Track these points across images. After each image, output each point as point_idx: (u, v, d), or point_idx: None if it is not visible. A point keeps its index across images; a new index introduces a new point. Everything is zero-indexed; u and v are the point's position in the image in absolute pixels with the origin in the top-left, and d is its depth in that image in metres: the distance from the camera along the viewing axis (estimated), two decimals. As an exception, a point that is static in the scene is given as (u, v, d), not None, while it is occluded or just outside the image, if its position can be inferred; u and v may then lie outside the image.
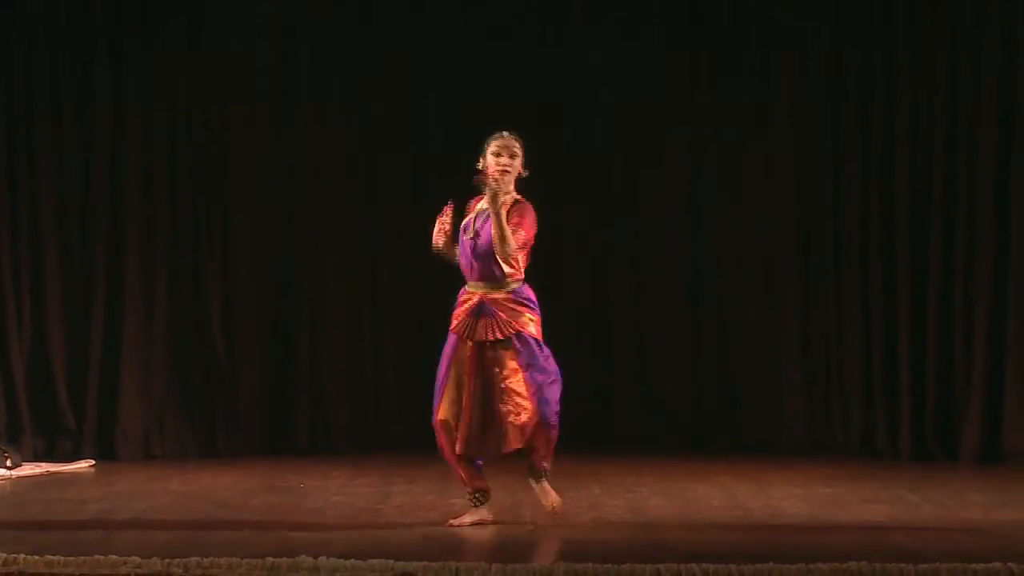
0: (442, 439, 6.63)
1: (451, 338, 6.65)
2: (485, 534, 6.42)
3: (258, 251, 9.58)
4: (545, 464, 6.61)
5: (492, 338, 6.51)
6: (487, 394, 6.50)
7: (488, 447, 6.55)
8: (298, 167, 9.61)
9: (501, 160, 6.58)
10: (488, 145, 6.64)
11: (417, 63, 9.62)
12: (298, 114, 9.60)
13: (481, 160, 6.64)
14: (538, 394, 6.48)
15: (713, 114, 9.64)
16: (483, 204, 6.60)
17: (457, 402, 6.57)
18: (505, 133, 6.65)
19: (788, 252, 9.55)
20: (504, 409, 6.48)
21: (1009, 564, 5.36)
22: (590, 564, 5.41)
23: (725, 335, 9.74)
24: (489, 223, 6.51)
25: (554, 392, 6.54)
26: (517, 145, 6.63)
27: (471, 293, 6.62)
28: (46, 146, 9.23)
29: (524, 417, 6.46)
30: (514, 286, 6.60)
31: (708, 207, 9.75)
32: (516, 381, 6.49)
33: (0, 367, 9.11)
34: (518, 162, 6.62)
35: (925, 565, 5.38)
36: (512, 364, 6.50)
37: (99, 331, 9.30)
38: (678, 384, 9.77)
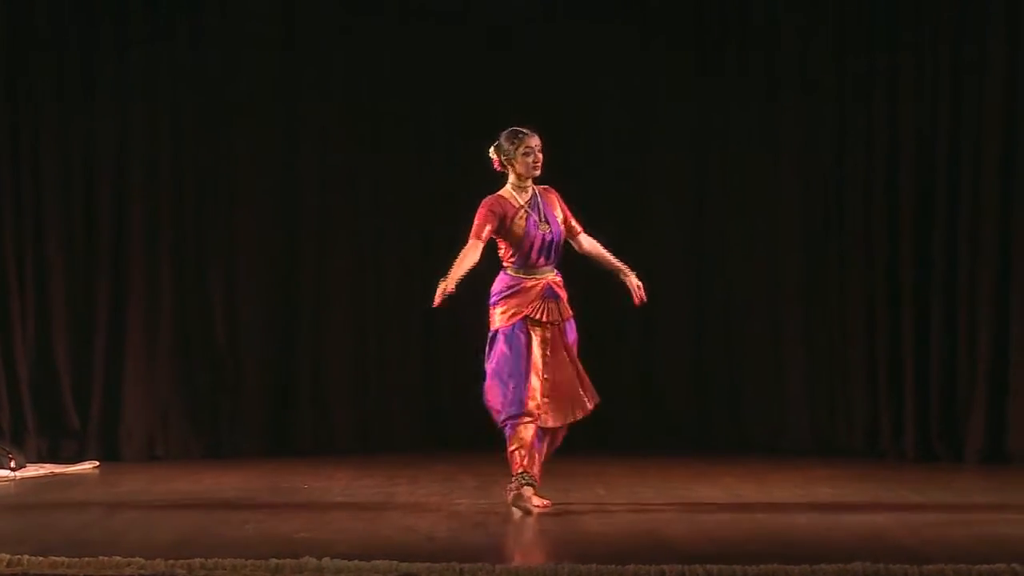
0: (529, 425, 6.81)
1: (520, 324, 6.85)
2: (489, 535, 6.42)
3: (262, 251, 9.59)
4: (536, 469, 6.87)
5: (568, 317, 6.95)
6: (568, 364, 6.93)
7: (576, 408, 6.95)
8: (302, 166, 9.62)
9: (533, 159, 6.89)
10: (514, 145, 6.88)
11: (420, 63, 9.63)
12: (302, 113, 9.61)
13: (496, 156, 6.93)
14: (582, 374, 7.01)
15: (718, 118, 9.66)
16: (520, 197, 6.93)
17: (543, 382, 6.86)
18: (526, 131, 6.90)
19: (792, 252, 9.56)
20: (581, 374, 6.97)
21: (1013, 565, 5.35)
22: (594, 565, 5.40)
23: (729, 336, 9.75)
24: (553, 212, 6.93)
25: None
26: (539, 142, 6.92)
27: (535, 279, 6.91)
28: (49, 145, 9.24)
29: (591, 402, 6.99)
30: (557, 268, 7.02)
31: (712, 208, 9.76)
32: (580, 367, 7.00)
33: (4, 368, 9.12)
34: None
35: (930, 566, 5.37)
36: (575, 346, 6.99)
37: (103, 332, 9.31)
38: (682, 385, 9.78)
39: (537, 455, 6.85)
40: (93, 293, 9.33)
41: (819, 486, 7.86)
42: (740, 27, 9.62)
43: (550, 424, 6.88)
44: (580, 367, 6.97)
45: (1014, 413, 8.84)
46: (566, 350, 6.93)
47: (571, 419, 6.95)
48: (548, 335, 6.89)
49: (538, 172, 6.92)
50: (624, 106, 9.71)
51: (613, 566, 5.39)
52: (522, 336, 6.84)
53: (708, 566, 5.38)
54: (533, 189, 6.96)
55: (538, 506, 6.84)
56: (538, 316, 6.85)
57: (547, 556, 5.95)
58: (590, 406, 6.97)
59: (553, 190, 7.04)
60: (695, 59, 9.70)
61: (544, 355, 6.86)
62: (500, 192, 6.96)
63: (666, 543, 6.14)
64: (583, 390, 6.95)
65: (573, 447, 9.06)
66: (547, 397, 6.85)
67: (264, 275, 9.61)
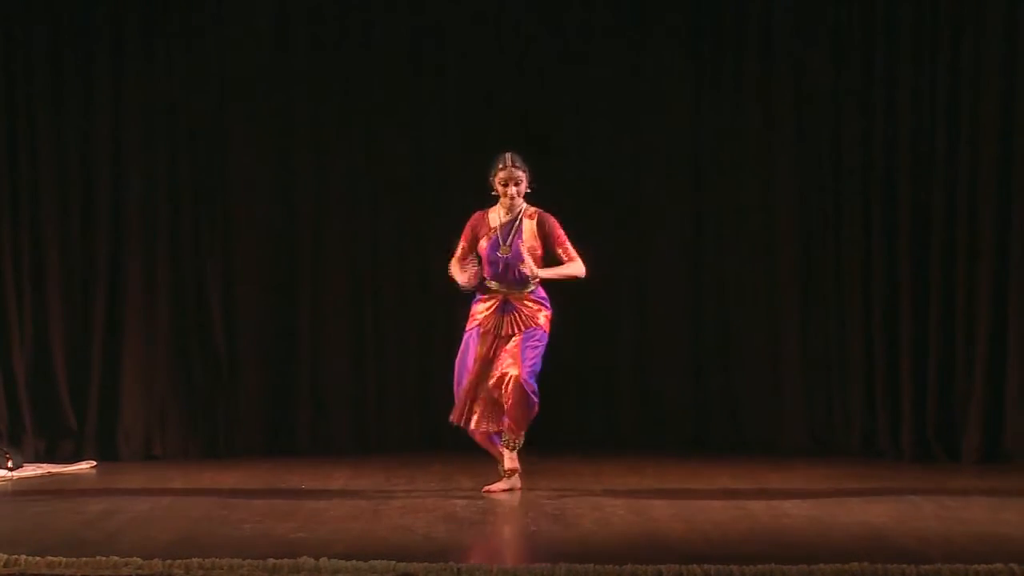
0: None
1: (473, 334, 7.44)
2: (487, 534, 6.42)
3: (260, 251, 9.58)
4: (516, 438, 7.43)
5: (513, 332, 7.36)
6: (486, 374, 7.39)
7: (473, 419, 7.47)
8: (299, 167, 9.61)
9: (510, 190, 7.35)
10: (495, 172, 7.37)
11: (419, 69, 9.62)
12: (299, 113, 9.60)
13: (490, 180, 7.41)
14: (523, 354, 7.29)
15: (715, 121, 9.65)
16: (500, 217, 7.40)
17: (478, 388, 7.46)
18: (508, 159, 7.36)
19: (789, 252, 9.55)
20: (495, 390, 7.37)
21: (1011, 565, 5.35)
22: (592, 565, 5.40)
23: (726, 335, 9.74)
24: (517, 236, 7.34)
25: (535, 352, 7.33)
26: (520, 171, 7.37)
27: (494, 295, 7.43)
28: (47, 147, 9.23)
29: (511, 379, 7.28)
30: (532, 288, 7.41)
31: (710, 209, 9.75)
32: (510, 363, 7.32)
33: (1, 367, 9.11)
34: (523, 185, 7.39)
35: (927, 566, 5.37)
36: (514, 349, 7.34)
37: (100, 332, 9.30)
38: (679, 384, 9.77)
39: (491, 448, 7.59)
40: (91, 292, 9.32)
41: (816, 486, 7.86)
42: (738, 33, 9.59)
43: (482, 428, 7.48)
44: (496, 382, 7.33)
45: (1011, 412, 8.85)
46: (493, 361, 7.35)
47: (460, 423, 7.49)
48: (489, 346, 7.37)
49: (513, 200, 7.36)
50: (621, 113, 9.69)
51: (610, 566, 5.39)
52: (470, 343, 7.44)
53: (705, 566, 5.38)
54: (519, 213, 7.38)
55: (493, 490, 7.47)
56: (487, 328, 7.39)
57: (544, 556, 5.95)
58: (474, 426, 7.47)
59: (548, 218, 7.41)
60: (693, 68, 9.67)
61: (489, 363, 7.39)
62: (489, 208, 7.46)
63: (663, 543, 6.14)
64: (481, 409, 7.43)
65: (570, 446, 9.11)
66: (477, 402, 7.44)
67: (262, 275, 9.59)
